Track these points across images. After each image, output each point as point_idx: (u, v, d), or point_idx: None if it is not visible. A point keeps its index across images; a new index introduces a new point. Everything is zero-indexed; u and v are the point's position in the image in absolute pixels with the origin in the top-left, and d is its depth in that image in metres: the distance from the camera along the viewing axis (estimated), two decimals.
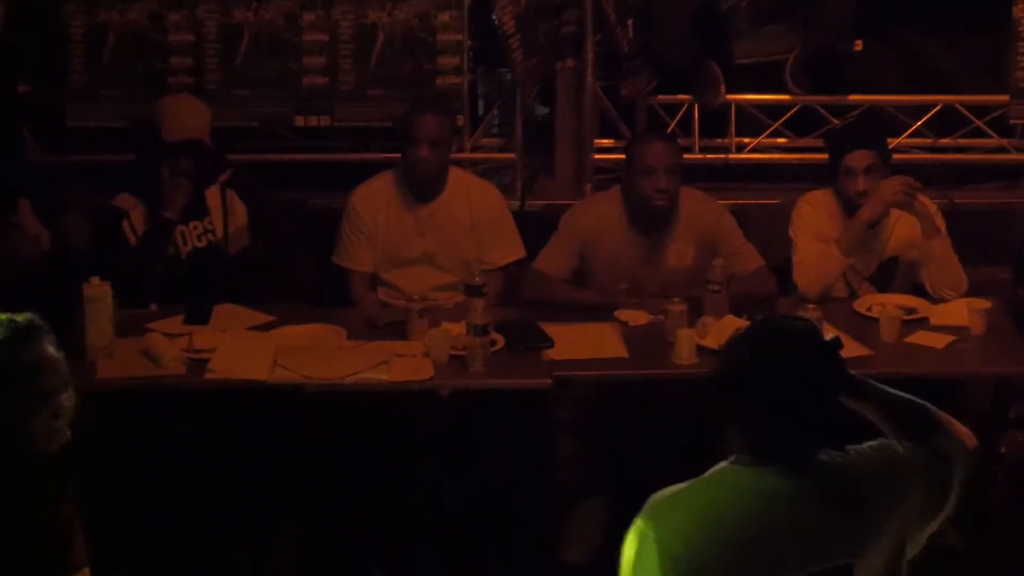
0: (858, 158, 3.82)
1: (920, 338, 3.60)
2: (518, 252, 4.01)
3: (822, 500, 1.99)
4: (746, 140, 4.91)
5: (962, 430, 2.15)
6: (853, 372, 2.14)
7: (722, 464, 2.02)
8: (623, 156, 3.95)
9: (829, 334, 2.12)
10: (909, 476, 2.07)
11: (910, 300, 3.80)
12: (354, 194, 3.98)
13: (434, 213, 3.96)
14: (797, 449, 2.00)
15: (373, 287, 4.00)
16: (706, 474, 2.02)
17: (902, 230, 3.90)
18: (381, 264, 3.96)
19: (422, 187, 3.93)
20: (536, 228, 4.18)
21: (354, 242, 3.95)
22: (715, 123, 4.85)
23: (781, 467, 1.99)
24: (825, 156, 4.05)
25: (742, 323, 3.53)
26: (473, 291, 3.59)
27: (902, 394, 2.18)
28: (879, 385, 2.18)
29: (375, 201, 3.94)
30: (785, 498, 1.97)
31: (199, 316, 3.67)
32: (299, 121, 4.71)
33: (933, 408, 2.17)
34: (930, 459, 2.11)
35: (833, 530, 1.99)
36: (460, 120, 4.66)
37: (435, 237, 3.95)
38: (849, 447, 2.08)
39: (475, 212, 3.96)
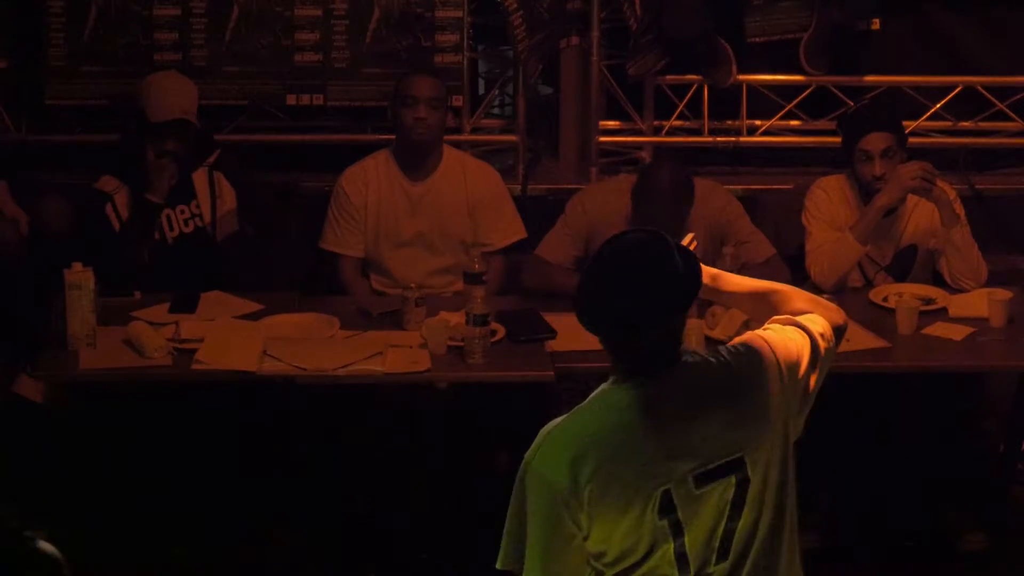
0: (874, 141, 3.78)
1: (938, 330, 3.57)
2: (519, 232, 3.96)
3: (693, 402, 2.04)
4: (758, 122, 4.85)
5: (828, 307, 2.23)
6: (708, 271, 2.21)
7: (600, 387, 2.08)
8: (631, 139, 3.83)
9: (687, 237, 2.23)
10: (779, 364, 2.11)
11: (928, 290, 3.79)
12: (343, 175, 3.94)
13: (428, 192, 3.91)
14: (657, 359, 2.05)
15: (365, 274, 3.97)
16: (583, 402, 2.08)
17: (920, 217, 3.87)
18: (373, 247, 3.90)
19: (418, 156, 3.87)
20: (538, 213, 4.18)
21: (342, 225, 3.88)
22: (726, 104, 4.80)
23: (648, 377, 2.04)
24: (840, 139, 4.00)
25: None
26: (473, 279, 3.55)
27: (760, 282, 2.30)
28: (731, 276, 2.29)
29: (365, 180, 3.90)
30: (656, 406, 2.03)
31: (185, 304, 3.63)
32: (291, 100, 4.65)
33: (794, 291, 2.26)
34: (801, 345, 2.15)
35: (711, 429, 2.04)
36: (459, 100, 4.62)
37: (429, 217, 3.90)
38: (717, 348, 2.14)
39: (471, 192, 3.91)
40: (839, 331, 2.22)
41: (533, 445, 2.06)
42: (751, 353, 2.10)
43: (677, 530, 2.02)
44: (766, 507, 2.06)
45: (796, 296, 2.24)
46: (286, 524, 3.60)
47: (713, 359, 2.09)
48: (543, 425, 3.73)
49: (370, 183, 3.88)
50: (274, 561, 3.55)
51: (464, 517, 3.61)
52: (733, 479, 2.03)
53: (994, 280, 3.80)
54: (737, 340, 2.15)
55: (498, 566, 2.08)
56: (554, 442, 2.04)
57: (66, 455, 3.46)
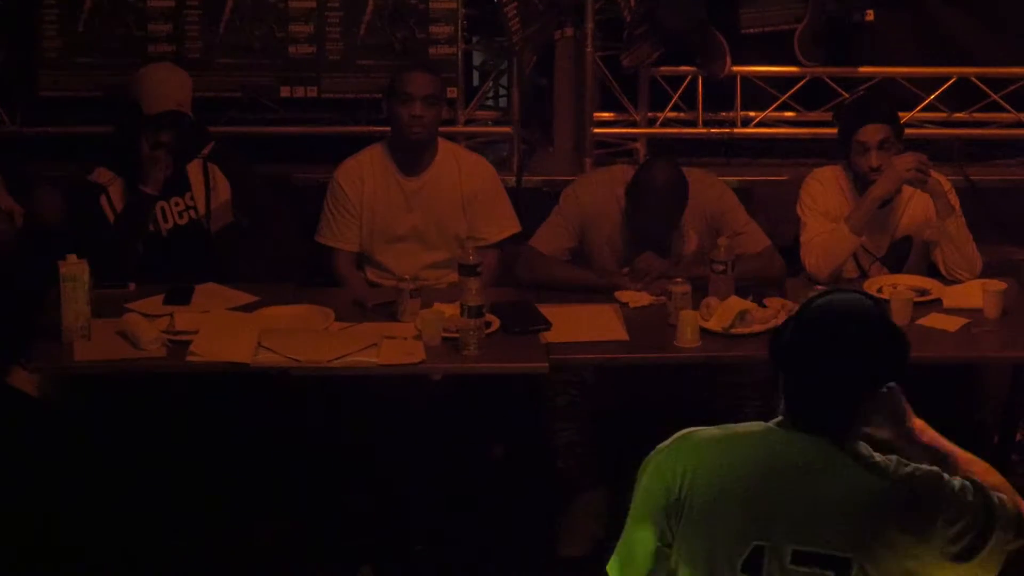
0: (870, 132, 3.77)
1: (933, 321, 3.56)
2: (513, 227, 3.95)
3: (841, 485, 1.95)
4: (752, 114, 4.85)
5: (1019, 498, 2.06)
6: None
7: (760, 422, 2.04)
8: (625, 130, 3.83)
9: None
10: (945, 510, 1.98)
11: (922, 281, 3.78)
12: (338, 169, 3.93)
13: (423, 187, 3.89)
14: (828, 424, 1.99)
15: (360, 267, 3.96)
16: (741, 424, 2.05)
17: (915, 208, 3.87)
18: (368, 242, 3.90)
19: (413, 152, 3.85)
20: (533, 205, 4.18)
21: (338, 219, 3.87)
22: (720, 95, 4.81)
23: (813, 438, 1.98)
24: (835, 130, 4.01)
25: (747, 305, 3.46)
26: (467, 271, 3.54)
27: (956, 447, 2.11)
28: (929, 431, 2.11)
29: (360, 174, 3.88)
30: (802, 467, 1.96)
31: (180, 296, 3.61)
32: (285, 92, 4.63)
33: (990, 467, 2.10)
34: (976, 505, 2.00)
35: (840, 519, 1.95)
36: (454, 92, 4.61)
37: (424, 212, 3.89)
38: (895, 456, 2.01)
39: (466, 186, 3.90)
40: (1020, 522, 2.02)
41: (670, 439, 2.05)
42: (923, 482, 1.97)
43: None
44: None
45: (991, 473, 2.07)
46: (280, 516, 3.59)
47: (883, 462, 1.97)
48: (537, 416, 3.73)
49: (365, 178, 3.86)
50: (268, 553, 3.53)
51: (459, 508, 3.61)
52: (831, 575, 1.94)
53: (989, 271, 3.79)
54: (919, 465, 2.00)
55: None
56: (686, 445, 2.02)
57: (60, 447, 3.46)
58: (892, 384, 2.04)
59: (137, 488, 3.48)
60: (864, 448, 2.01)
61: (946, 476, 2.02)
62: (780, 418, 2.03)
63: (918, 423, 2.10)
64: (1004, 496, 2.04)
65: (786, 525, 1.95)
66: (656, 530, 2.01)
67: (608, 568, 2.07)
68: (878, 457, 2.00)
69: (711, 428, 2.04)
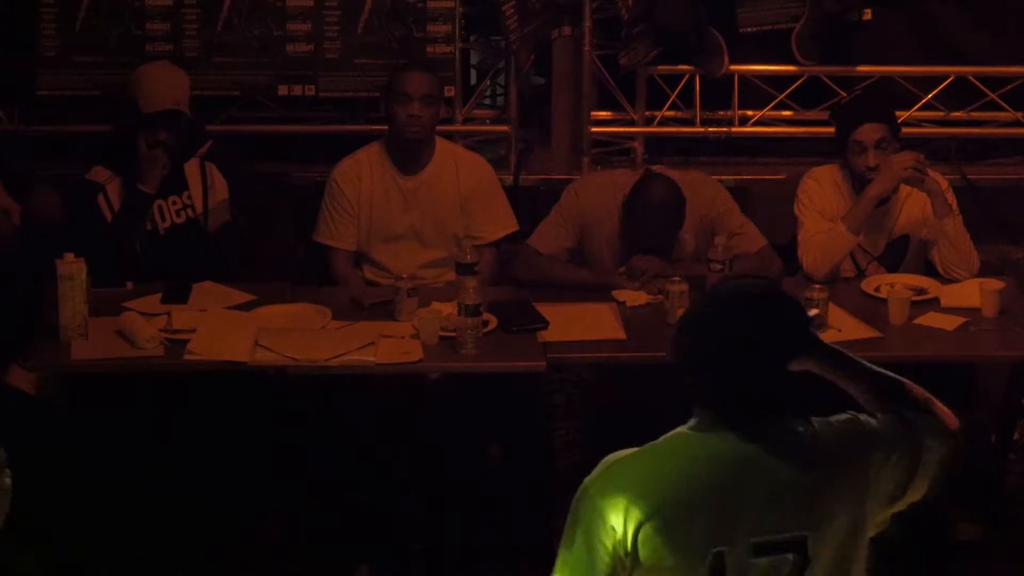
0: (868, 132, 3.77)
1: (930, 320, 3.56)
2: (510, 226, 3.94)
3: (776, 469, 1.96)
4: (750, 112, 4.86)
5: (943, 409, 2.09)
6: (827, 343, 2.09)
7: (677, 429, 2.01)
8: (622, 129, 3.82)
9: (811, 312, 2.13)
10: (875, 451, 2.02)
11: (920, 280, 3.77)
12: (336, 168, 3.92)
13: (420, 186, 3.89)
14: (750, 415, 1.98)
15: (358, 265, 3.95)
16: (660, 439, 2.01)
17: (912, 207, 3.86)
18: (366, 241, 3.90)
19: (411, 151, 3.85)
20: (530, 204, 4.18)
21: (336, 219, 3.86)
22: (718, 94, 4.81)
23: (734, 433, 1.97)
24: (832, 129, 4.01)
25: None
26: (464, 269, 3.54)
27: (879, 368, 2.13)
28: (854, 357, 2.12)
29: (358, 174, 3.87)
30: (735, 464, 1.95)
31: (177, 295, 3.60)
32: (282, 90, 4.64)
33: (911, 384, 2.11)
34: (901, 434, 2.04)
35: (786, 501, 1.96)
36: (451, 91, 4.61)
37: (422, 211, 3.88)
38: (814, 418, 2.02)
39: (463, 185, 3.89)
40: (948, 436, 2.06)
41: (595, 472, 1.99)
42: (845, 435, 2.00)
43: None
44: None
45: (914, 391, 2.10)
46: (279, 514, 3.59)
47: (803, 430, 1.99)
48: (535, 416, 3.73)
49: (363, 177, 3.86)
50: (267, 551, 3.53)
51: (457, 507, 3.61)
52: (791, 557, 1.95)
53: (986, 270, 3.79)
54: (836, 418, 2.03)
55: None
56: (616, 477, 1.96)
57: (58, 446, 3.45)
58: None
59: (135, 487, 3.47)
60: (783, 423, 1.99)
61: (863, 416, 2.03)
62: (695, 421, 1.99)
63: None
64: (925, 413, 2.05)
65: (738, 525, 1.94)
66: (608, 564, 1.94)
67: None
68: (798, 426, 2.00)
69: (633, 452, 1.98)
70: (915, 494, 2.05)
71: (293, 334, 3.37)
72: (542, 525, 3.61)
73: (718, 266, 3.55)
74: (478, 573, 3.53)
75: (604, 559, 1.94)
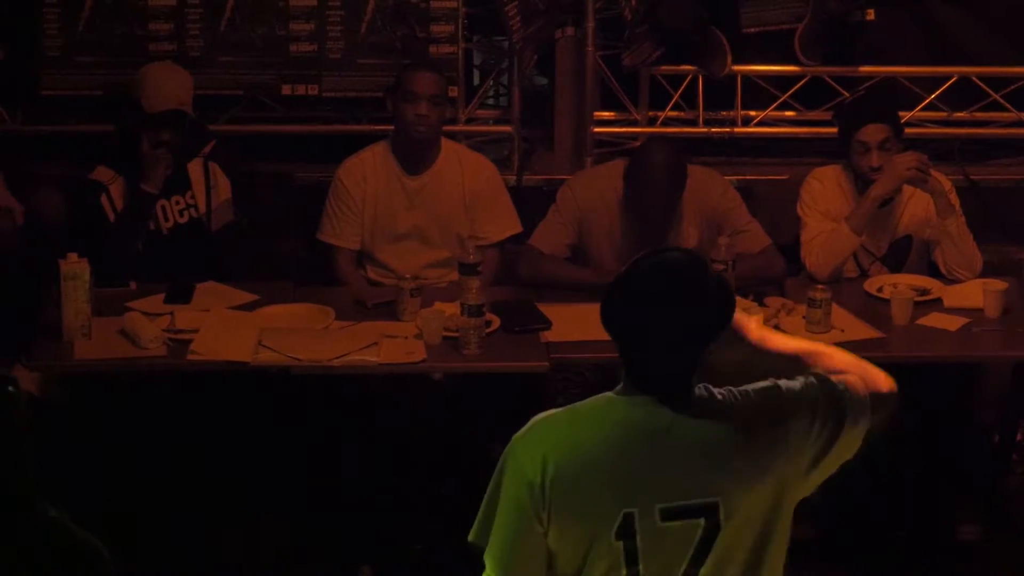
0: (871, 132, 3.77)
1: (933, 320, 3.56)
2: (514, 227, 3.94)
3: (690, 435, 1.99)
4: (753, 113, 4.85)
5: (875, 373, 2.11)
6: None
7: (605, 393, 2.05)
8: (625, 129, 3.82)
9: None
10: (794, 418, 2.03)
11: (923, 281, 3.77)
12: (341, 167, 3.92)
13: (425, 185, 3.89)
14: (669, 384, 2.01)
15: (361, 265, 3.94)
16: (587, 400, 2.06)
17: (915, 208, 3.86)
18: (370, 240, 3.89)
19: (417, 151, 3.85)
20: (533, 204, 4.18)
21: (340, 217, 3.86)
22: (721, 95, 4.79)
23: (652, 399, 2.01)
24: (835, 130, 4.00)
25: (748, 303, 3.44)
26: (468, 270, 3.53)
27: (804, 342, 2.20)
28: (780, 338, 2.19)
29: (363, 173, 3.87)
30: (648, 430, 1.99)
31: (180, 295, 3.61)
32: (286, 90, 4.62)
33: (837, 351, 2.16)
34: (823, 401, 2.05)
35: (693, 466, 1.99)
36: (455, 91, 4.60)
37: (426, 211, 3.88)
38: (734, 387, 2.05)
39: (468, 185, 3.89)
40: (881, 399, 2.09)
41: (523, 428, 2.06)
42: (763, 402, 2.03)
43: (632, 558, 1.98)
44: (733, 562, 2.00)
45: (838, 357, 2.13)
46: (281, 514, 3.58)
47: (722, 398, 2.02)
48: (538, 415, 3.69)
49: (368, 176, 3.86)
50: (268, 551, 3.53)
51: (459, 508, 3.59)
52: (702, 522, 1.98)
53: (989, 271, 3.79)
54: (755, 385, 2.06)
55: (470, 539, 2.06)
56: (539, 432, 2.03)
57: (61, 445, 3.45)
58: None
59: (136, 487, 3.47)
60: (703, 390, 2.02)
61: (783, 383, 2.05)
62: (620, 385, 2.03)
63: (759, 335, 2.14)
64: (850, 378, 2.07)
65: (647, 488, 1.98)
66: (527, 519, 2.00)
67: (487, 560, 2.04)
68: (717, 394, 2.03)
69: (560, 410, 2.06)
70: (834, 464, 2.06)
71: (296, 334, 3.37)
72: None
73: (721, 265, 3.53)
74: (479, 573, 3.53)
75: (523, 510, 1.99)
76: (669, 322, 1.99)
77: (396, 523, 3.56)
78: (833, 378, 2.07)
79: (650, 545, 1.98)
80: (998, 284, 3.58)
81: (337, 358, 3.26)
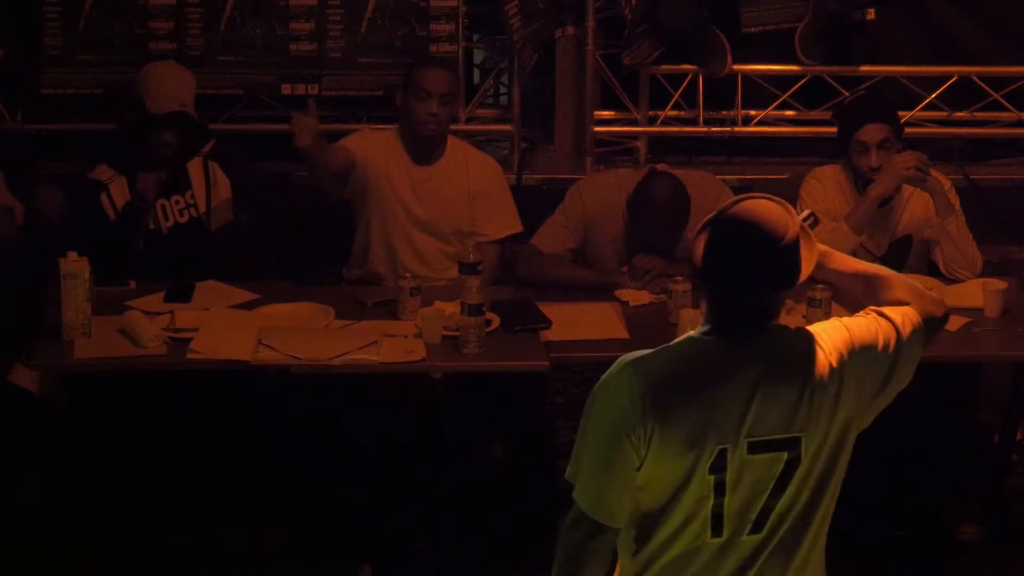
0: (871, 132, 3.77)
1: None
2: (515, 226, 3.95)
3: (771, 373, 2.09)
4: (753, 112, 4.86)
5: (929, 298, 2.24)
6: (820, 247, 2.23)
7: (688, 333, 2.16)
8: (626, 129, 3.82)
9: (804, 212, 2.27)
10: (860, 354, 2.14)
11: (923, 280, 3.71)
12: (358, 132, 3.88)
13: (430, 178, 3.90)
14: (751, 323, 2.12)
15: (361, 264, 3.92)
16: (671, 342, 2.15)
17: (915, 207, 3.86)
18: (379, 223, 3.85)
19: (425, 146, 3.85)
20: (533, 203, 4.17)
21: (343, 141, 3.82)
22: (721, 94, 4.81)
23: (739, 339, 2.11)
24: (835, 129, 4.00)
25: None
26: (468, 269, 3.53)
27: (866, 265, 2.32)
28: (843, 258, 2.30)
29: (375, 145, 3.86)
30: (737, 367, 2.09)
31: (180, 294, 3.60)
32: (286, 89, 4.64)
33: (895, 278, 2.27)
34: (881, 336, 2.17)
35: (780, 402, 2.08)
36: None
37: (429, 202, 3.88)
38: (802, 327, 2.16)
39: (472, 182, 3.90)
40: (935, 323, 2.23)
41: (611, 369, 2.10)
42: (832, 339, 2.13)
43: (720, 490, 2.07)
44: (806, 489, 2.11)
45: (897, 284, 2.25)
46: (281, 514, 3.59)
47: (799, 338, 2.13)
48: (538, 415, 3.72)
49: (379, 151, 3.84)
50: (269, 551, 3.53)
51: (459, 508, 3.61)
52: (785, 455, 2.08)
53: (989, 270, 3.80)
54: (822, 324, 2.18)
55: (567, 475, 2.11)
56: (633, 372, 2.09)
57: (61, 444, 3.46)
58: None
59: (137, 486, 3.47)
60: (780, 332, 2.12)
61: (846, 321, 2.18)
62: (705, 327, 2.13)
63: (824, 248, 2.24)
64: (907, 310, 2.19)
65: (739, 423, 2.07)
66: (623, 450, 2.06)
67: (576, 496, 2.09)
68: (795, 332, 2.13)
69: (648, 351, 2.12)
70: (893, 393, 2.18)
71: (296, 333, 3.37)
72: (544, 524, 3.61)
73: None
74: (479, 573, 3.53)
75: (620, 442, 2.05)
76: (770, 263, 2.09)
77: (395, 523, 3.55)
78: (891, 314, 2.18)
79: (737, 477, 2.07)
80: (998, 284, 3.58)
81: (337, 357, 3.25)
